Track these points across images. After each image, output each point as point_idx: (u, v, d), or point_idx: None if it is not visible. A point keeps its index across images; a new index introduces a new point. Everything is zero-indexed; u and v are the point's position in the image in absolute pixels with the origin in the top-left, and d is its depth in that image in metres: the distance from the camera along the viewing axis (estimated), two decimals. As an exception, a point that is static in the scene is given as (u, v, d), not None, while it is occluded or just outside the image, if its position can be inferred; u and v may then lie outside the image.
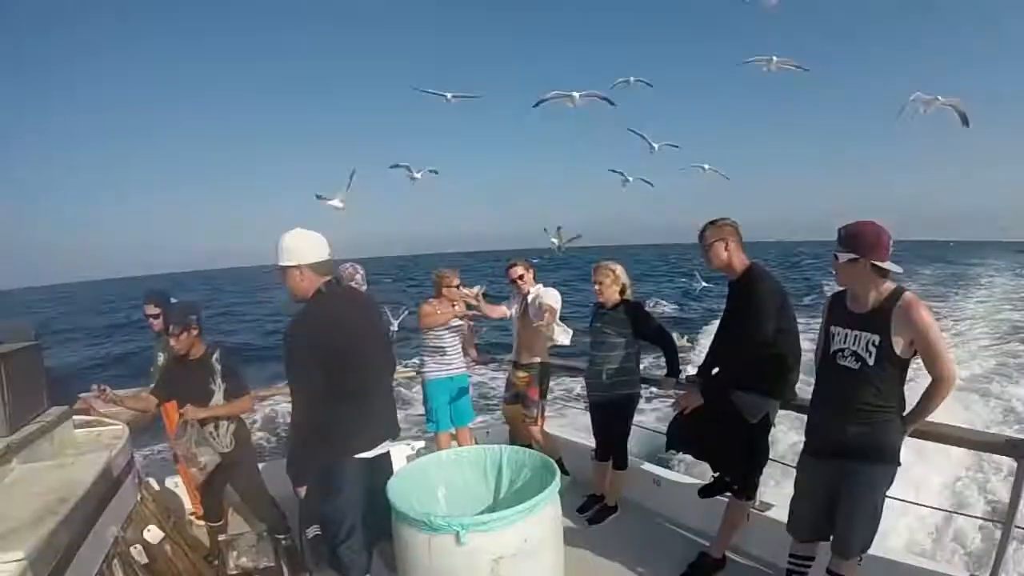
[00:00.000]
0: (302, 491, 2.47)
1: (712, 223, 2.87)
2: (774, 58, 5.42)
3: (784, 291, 2.79)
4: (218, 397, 3.13)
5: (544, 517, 2.05)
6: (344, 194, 5.34)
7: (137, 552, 2.32)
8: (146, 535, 2.43)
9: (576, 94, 5.45)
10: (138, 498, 2.56)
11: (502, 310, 4.45)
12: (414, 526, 1.99)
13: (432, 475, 2.52)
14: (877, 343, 2.19)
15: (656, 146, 6.63)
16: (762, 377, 2.76)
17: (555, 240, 7.05)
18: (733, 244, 2.82)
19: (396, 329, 5.94)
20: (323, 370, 2.31)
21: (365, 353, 2.47)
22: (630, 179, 6.77)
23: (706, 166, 6.73)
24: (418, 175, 6.23)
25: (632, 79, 5.82)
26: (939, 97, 4.73)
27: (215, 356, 3.17)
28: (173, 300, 4.07)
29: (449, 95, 5.79)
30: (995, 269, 34.38)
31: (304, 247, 2.41)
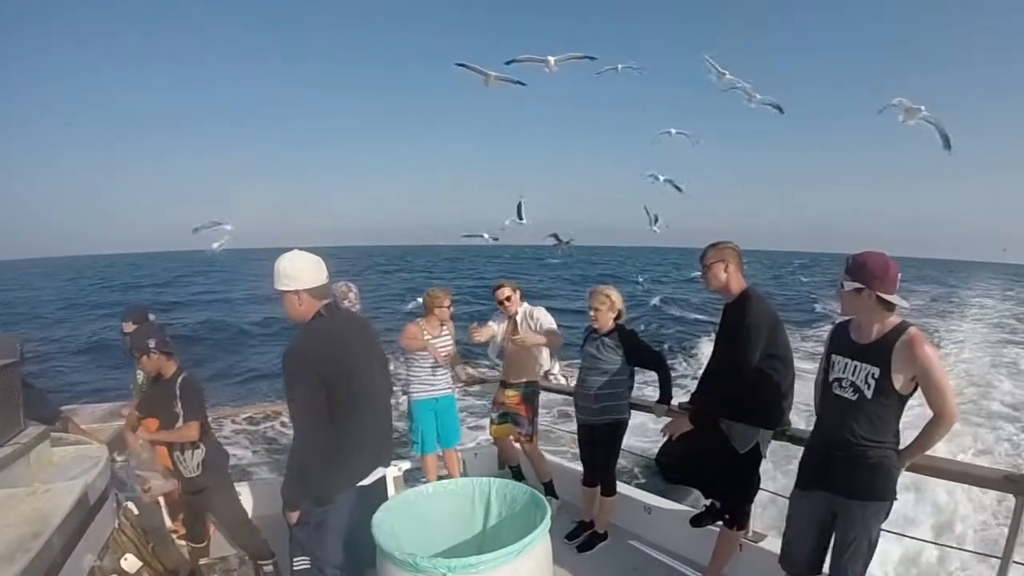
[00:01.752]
0: (293, 516, 2.40)
1: (714, 245, 2.86)
2: (757, 95, 5.39)
3: (777, 317, 2.76)
4: (182, 421, 3.08)
5: (534, 557, 2.00)
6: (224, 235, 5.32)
7: (113, 582, 2.24)
8: (123, 564, 2.35)
9: (551, 58, 5.20)
10: (116, 524, 2.49)
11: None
12: (399, 566, 1.93)
13: (419, 508, 2.46)
14: (876, 376, 2.16)
15: (673, 132, 6.55)
16: (752, 405, 2.73)
17: (486, 235, 6.94)
18: (733, 267, 2.81)
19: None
20: (323, 393, 2.25)
21: (364, 377, 2.42)
22: (660, 178, 6.57)
23: (672, 130, 6.65)
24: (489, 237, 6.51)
25: (620, 66, 5.68)
26: (923, 108, 4.64)
27: (178, 380, 3.11)
28: (152, 317, 3.99)
29: (492, 74, 5.37)
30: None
31: (302, 272, 2.35)
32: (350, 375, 2.33)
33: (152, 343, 3.07)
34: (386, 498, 2.58)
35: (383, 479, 2.59)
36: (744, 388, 2.69)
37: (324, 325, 2.36)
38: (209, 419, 3.30)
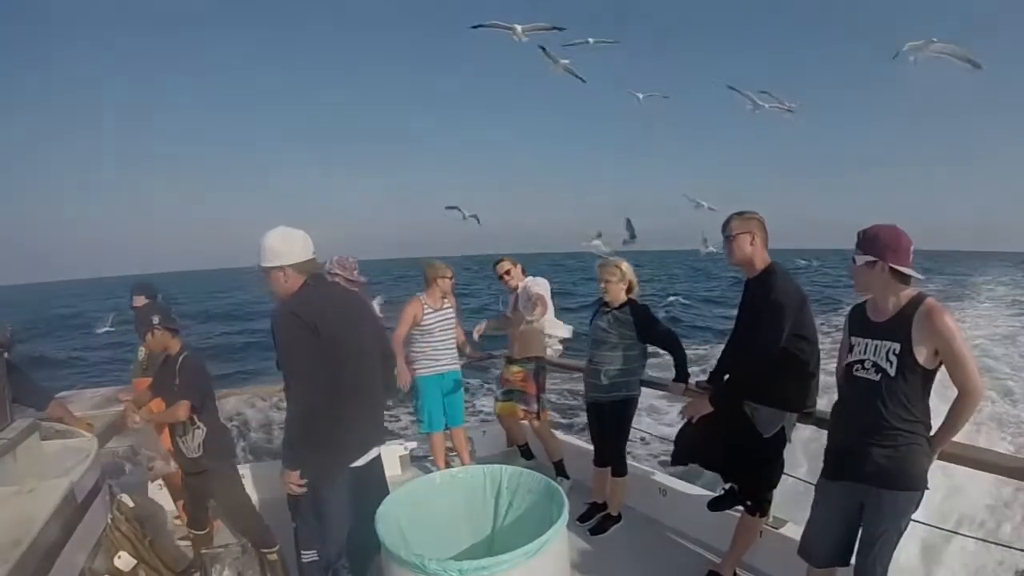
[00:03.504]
0: (294, 476, 2.30)
1: (739, 214, 2.69)
2: (791, 106, 5.17)
3: (804, 294, 2.61)
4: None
5: (550, 556, 1.86)
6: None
7: (105, 583, 2.14)
8: (116, 563, 2.24)
9: (519, 27, 5.12)
10: (109, 520, 2.37)
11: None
12: (406, 567, 1.79)
13: (425, 499, 2.33)
14: (898, 352, 2.03)
15: (641, 96, 6.44)
16: (777, 387, 2.58)
17: (465, 212, 6.85)
18: (759, 240, 2.65)
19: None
20: (317, 359, 2.19)
21: (352, 348, 2.34)
22: (704, 204, 6.42)
23: (640, 95, 6.50)
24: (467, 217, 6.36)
25: (591, 40, 5.53)
26: (934, 39, 4.35)
27: (179, 359, 3.03)
28: (159, 296, 3.87)
29: (563, 62, 5.33)
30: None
31: (288, 247, 2.30)
32: (341, 342, 2.26)
33: (156, 319, 3.00)
34: (383, 477, 2.54)
35: (378, 459, 2.53)
36: (770, 369, 2.53)
37: (310, 292, 2.31)
38: (215, 400, 3.20)
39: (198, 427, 3.02)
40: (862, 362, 2.14)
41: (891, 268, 2.04)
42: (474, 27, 5.22)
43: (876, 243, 2.07)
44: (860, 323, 2.20)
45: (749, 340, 2.68)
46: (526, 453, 4.65)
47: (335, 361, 2.23)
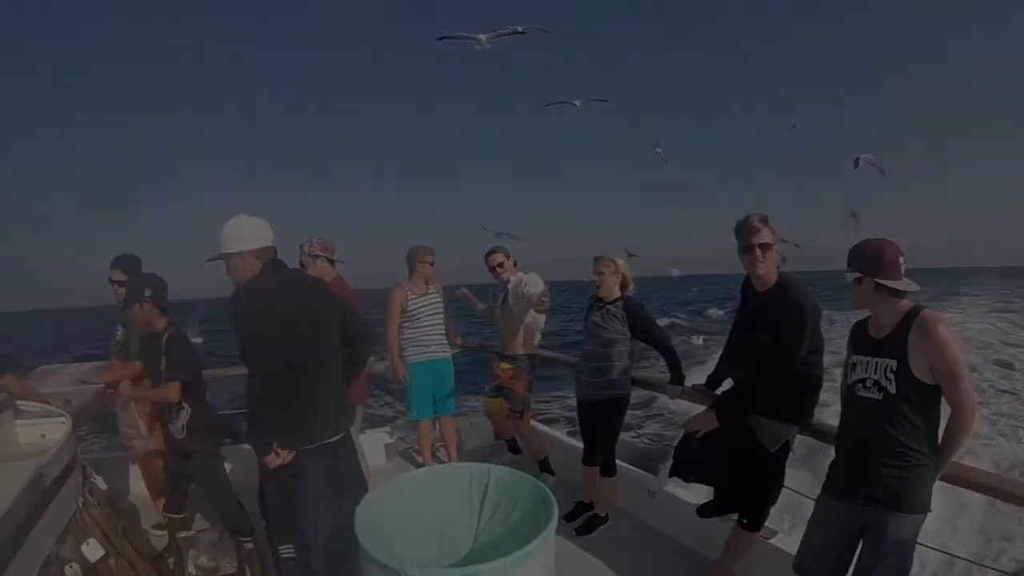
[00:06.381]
0: (271, 459, 2.24)
1: (764, 220, 2.50)
2: (865, 156, 5.05)
3: (819, 307, 2.50)
4: (164, 379, 2.93)
5: (537, 566, 1.78)
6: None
7: (72, 572, 2.05)
8: (84, 550, 2.16)
9: (483, 36, 5.06)
10: (80, 503, 2.28)
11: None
12: (385, 573, 1.71)
13: (407, 498, 2.23)
14: (895, 368, 1.98)
15: (578, 103, 6.37)
16: (790, 400, 2.51)
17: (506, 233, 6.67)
18: (779, 250, 2.54)
19: None
20: (275, 338, 2.18)
21: (315, 326, 2.33)
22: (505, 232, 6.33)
23: (577, 102, 6.44)
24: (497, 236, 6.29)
25: (520, 28, 5.47)
26: None
27: (164, 337, 2.95)
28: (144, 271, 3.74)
29: (577, 103, 5.62)
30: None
31: (245, 234, 2.33)
32: (293, 323, 2.25)
33: (148, 292, 2.92)
34: (356, 462, 2.50)
35: (349, 440, 2.49)
36: (786, 383, 2.45)
37: (267, 275, 2.33)
38: (203, 380, 3.13)
39: (183, 408, 2.94)
40: (863, 381, 2.09)
41: (876, 283, 2.00)
42: (439, 39, 5.26)
43: (860, 259, 2.05)
44: (860, 340, 2.16)
45: (765, 357, 2.54)
46: (513, 448, 4.59)
47: (292, 340, 2.22)
